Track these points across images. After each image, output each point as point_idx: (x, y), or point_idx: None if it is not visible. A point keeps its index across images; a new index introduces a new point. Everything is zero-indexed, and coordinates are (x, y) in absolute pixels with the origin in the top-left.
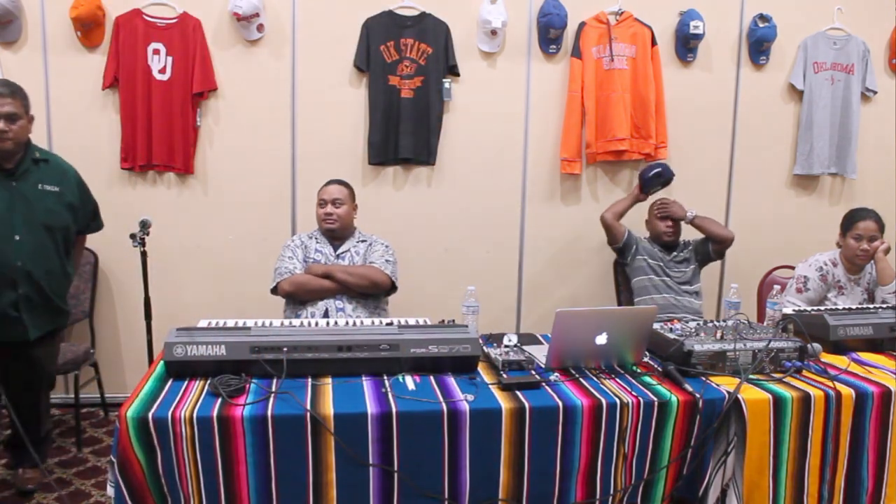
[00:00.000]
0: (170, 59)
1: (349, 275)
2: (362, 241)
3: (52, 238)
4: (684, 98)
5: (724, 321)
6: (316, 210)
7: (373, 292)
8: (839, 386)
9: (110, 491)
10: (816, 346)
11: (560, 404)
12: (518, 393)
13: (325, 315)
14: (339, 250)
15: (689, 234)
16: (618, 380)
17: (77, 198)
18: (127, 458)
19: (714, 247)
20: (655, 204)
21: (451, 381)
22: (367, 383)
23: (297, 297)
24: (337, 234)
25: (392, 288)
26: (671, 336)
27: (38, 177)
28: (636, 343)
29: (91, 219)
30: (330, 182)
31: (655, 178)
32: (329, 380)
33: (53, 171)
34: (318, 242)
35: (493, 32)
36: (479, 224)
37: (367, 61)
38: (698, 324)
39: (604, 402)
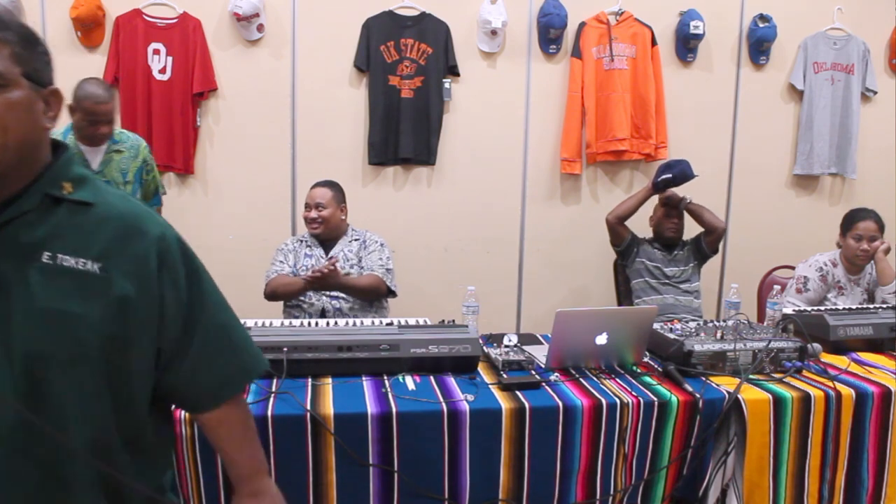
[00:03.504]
0: (170, 59)
1: (353, 284)
2: (355, 240)
3: (56, 387)
4: (684, 98)
5: (724, 321)
6: (303, 213)
7: (369, 298)
8: (839, 386)
9: None
10: (816, 346)
11: (560, 404)
12: (518, 393)
13: (322, 315)
14: (330, 252)
15: (687, 234)
16: (618, 380)
17: (148, 290)
18: None
19: (707, 239)
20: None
21: (451, 381)
22: (367, 383)
23: (278, 299)
24: (324, 236)
25: (390, 293)
26: (671, 336)
27: (46, 234)
28: (636, 343)
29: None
30: (315, 185)
31: (670, 181)
32: (329, 380)
33: (96, 225)
34: (307, 246)
35: (493, 32)
36: (479, 224)
37: (367, 61)
38: (698, 324)
39: (604, 402)
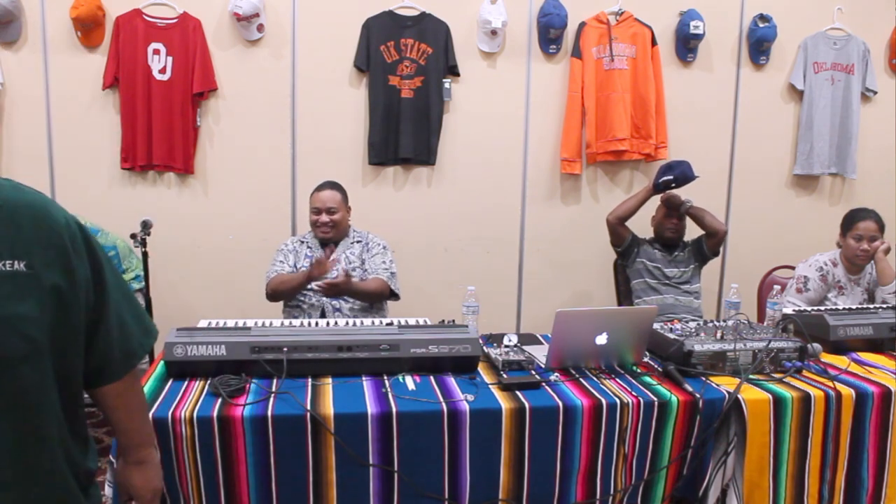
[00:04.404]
0: (170, 59)
1: (361, 289)
2: (357, 242)
3: (15, 384)
4: (684, 98)
5: (724, 321)
6: (309, 216)
7: (374, 302)
8: (839, 386)
9: (108, 491)
10: (816, 346)
11: (560, 404)
12: (518, 393)
13: (322, 315)
14: (332, 255)
15: (688, 235)
16: (618, 380)
17: (72, 277)
18: None
19: (708, 242)
20: (663, 196)
21: (451, 381)
22: (367, 383)
23: (279, 297)
24: (334, 240)
25: (392, 296)
26: (671, 336)
27: None
28: (636, 343)
29: (123, 333)
30: (323, 187)
31: (671, 182)
32: (329, 380)
33: (7, 225)
34: (309, 248)
35: (493, 32)
36: (479, 224)
37: (367, 61)
38: (698, 324)
39: (604, 402)
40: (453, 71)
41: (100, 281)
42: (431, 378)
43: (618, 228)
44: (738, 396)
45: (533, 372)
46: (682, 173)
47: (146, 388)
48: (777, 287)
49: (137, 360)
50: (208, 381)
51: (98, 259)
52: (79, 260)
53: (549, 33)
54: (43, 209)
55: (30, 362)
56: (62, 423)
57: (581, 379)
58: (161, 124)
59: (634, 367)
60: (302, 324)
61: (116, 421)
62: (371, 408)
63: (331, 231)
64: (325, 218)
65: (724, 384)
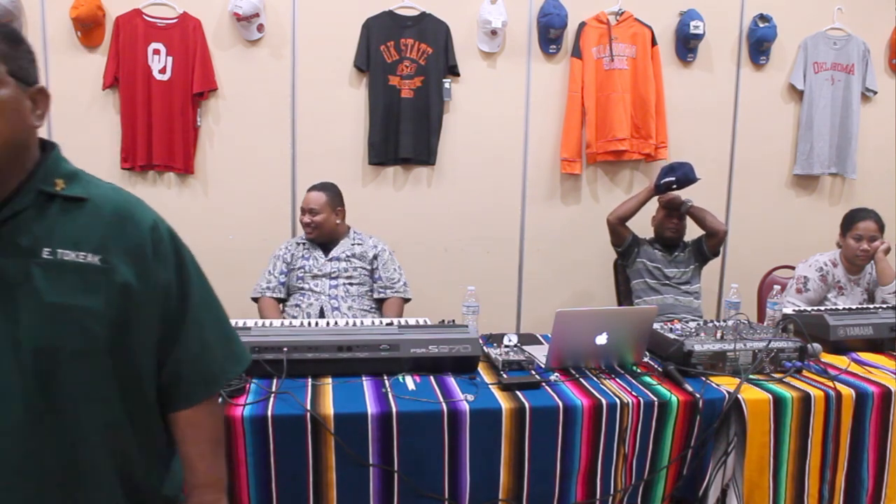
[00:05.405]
0: (170, 59)
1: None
2: (357, 244)
3: (66, 379)
4: (684, 98)
5: (724, 321)
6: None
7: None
8: (839, 386)
9: None
10: (816, 346)
11: (560, 404)
12: (518, 393)
13: (322, 315)
14: (330, 255)
15: (688, 235)
16: (618, 380)
17: (146, 278)
18: None
19: (708, 242)
20: (661, 200)
21: (451, 381)
22: (367, 383)
23: None
24: (319, 241)
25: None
26: (671, 336)
27: (44, 230)
28: (636, 343)
29: (205, 349)
30: (312, 188)
31: (672, 183)
32: (329, 380)
33: (91, 218)
34: (305, 248)
35: (493, 32)
36: (479, 224)
37: (367, 61)
38: (698, 324)
39: (604, 402)
40: (453, 71)
41: (184, 292)
42: (431, 378)
43: (618, 228)
44: (738, 396)
45: (533, 372)
46: (683, 175)
47: None
48: (777, 287)
49: (217, 386)
50: None
51: (186, 271)
52: (160, 264)
53: (549, 33)
54: (128, 209)
55: (85, 358)
56: (125, 431)
57: (581, 379)
58: (161, 124)
59: (634, 367)
60: (302, 324)
61: (184, 455)
62: (371, 408)
63: (314, 232)
64: (307, 219)
65: (724, 384)
